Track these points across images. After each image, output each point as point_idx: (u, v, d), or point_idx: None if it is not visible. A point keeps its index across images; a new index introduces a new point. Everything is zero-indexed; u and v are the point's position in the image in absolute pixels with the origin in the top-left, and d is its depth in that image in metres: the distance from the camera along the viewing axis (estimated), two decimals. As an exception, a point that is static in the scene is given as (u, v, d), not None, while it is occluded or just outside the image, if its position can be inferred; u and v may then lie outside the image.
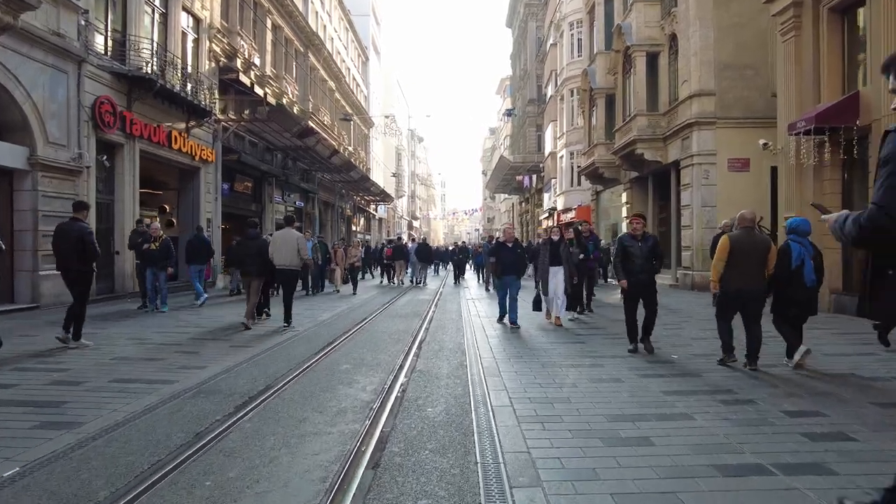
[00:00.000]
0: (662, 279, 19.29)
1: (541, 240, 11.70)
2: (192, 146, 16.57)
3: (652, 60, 19.21)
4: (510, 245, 9.16)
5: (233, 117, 19.08)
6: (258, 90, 19.52)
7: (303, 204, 28.96)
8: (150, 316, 10.36)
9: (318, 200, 31.03)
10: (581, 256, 10.29)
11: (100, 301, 12.15)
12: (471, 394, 4.68)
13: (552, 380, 5.22)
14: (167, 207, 18.27)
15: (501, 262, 9.02)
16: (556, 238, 9.31)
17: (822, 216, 2.26)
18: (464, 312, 11.17)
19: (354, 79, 43.40)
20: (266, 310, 10.50)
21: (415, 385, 5.07)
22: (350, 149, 39.56)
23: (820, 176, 10.56)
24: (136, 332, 8.23)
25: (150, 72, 13.53)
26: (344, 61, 39.37)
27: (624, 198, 22.69)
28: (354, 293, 15.50)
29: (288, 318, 9.06)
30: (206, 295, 12.47)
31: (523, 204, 49.46)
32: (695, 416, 4.06)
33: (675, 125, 17.22)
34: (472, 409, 4.24)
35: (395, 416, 4.09)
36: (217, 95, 18.45)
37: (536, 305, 9.32)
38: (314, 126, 25.48)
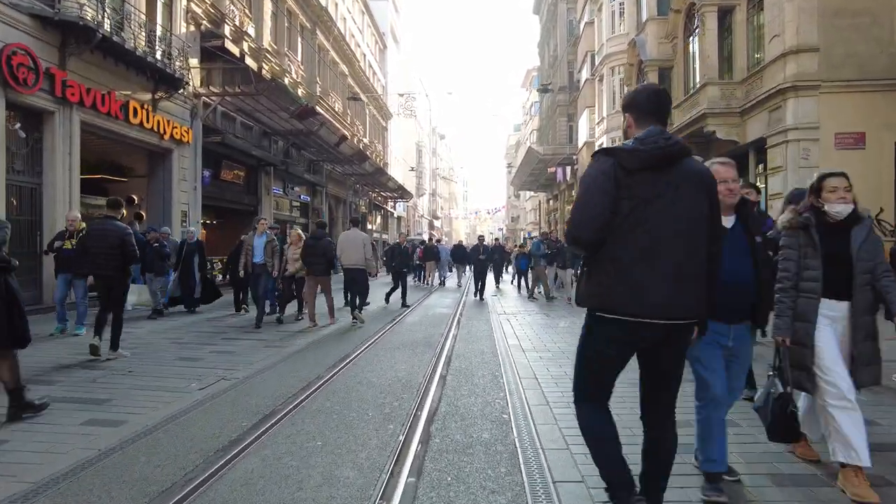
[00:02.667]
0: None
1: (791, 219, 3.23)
2: (159, 122, 13.49)
3: (723, 18, 15.64)
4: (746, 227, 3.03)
5: (215, 91, 15.98)
6: (251, 62, 16.44)
7: (308, 198, 25.88)
8: (48, 342, 7.22)
9: (326, 195, 27.92)
10: None
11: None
12: None
13: None
14: (135, 198, 15.25)
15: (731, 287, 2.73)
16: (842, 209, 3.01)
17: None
18: (497, 339, 7.80)
19: (370, 66, 40.28)
20: (245, 305, 10.91)
21: None
22: (365, 140, 36.46)
23: None
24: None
25: (86, 17, 10.39)
26: (359, 46, 36.27)
27: (682, 189, 19.04)
28: (278, 319, 9.25)
29: (360, 309, 9.65)
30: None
31: (551, 201, 45.83)
32: None
33: (760, 94, 13.61)
34: None
35: None
36: (197, 63, 15.40)
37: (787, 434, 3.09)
38: (317, 109, 22.32)
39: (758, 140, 14.13)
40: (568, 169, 32.42)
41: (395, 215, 50.87)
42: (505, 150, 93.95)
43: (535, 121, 55.63)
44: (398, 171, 48.46)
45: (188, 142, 14.87)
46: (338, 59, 30.00)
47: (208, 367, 5.96)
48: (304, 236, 9.26)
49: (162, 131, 13.62)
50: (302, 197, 25.06)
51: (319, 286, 9.21)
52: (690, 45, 17.28)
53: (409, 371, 5.76)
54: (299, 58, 24.48)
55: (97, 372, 5.65)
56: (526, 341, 7.48)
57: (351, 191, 33.21)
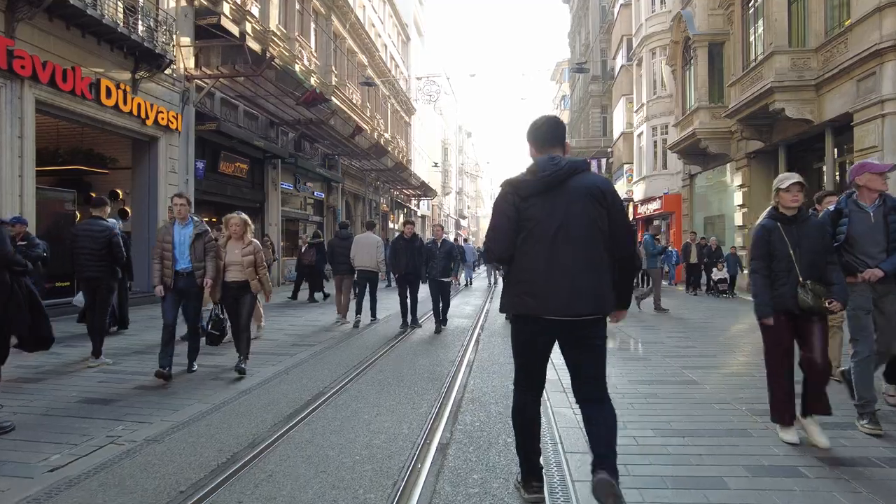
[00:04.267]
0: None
1: None
2: (140, 105, 11.87)
3: (792, -23, 13.33)
4: None
5: (208, 72, 14.33)
6: (253, 45, 14.81)
7: (323, 195, 24.19)
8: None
9: (342, 191, 26.22)
10: None
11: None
12: None
13: None
14: (120, 193, 13.72)
15: None
16: None
17: None
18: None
19: (392, 58, 38.53)
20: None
21: None
22: (386, 135, 34.74)
23: None
24: None
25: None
26: (380, 36, 34.51)
27: (738, 179, 16.72)
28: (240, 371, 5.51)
29: (374, 309, 9.73)
30: None
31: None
32: None
33: (844, 60, 11.30)
34: None
35: None
36: (189, 42, 13.78)
37: None
38: (327, 96, 20.59)
39: (839, 117, 11.81)
40: (603, 161, 30.12)
41: (419, 214, 49.07)
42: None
43: (566, 115, 53.23)
44: (422, 168, 46.67)
45: (177, 129, 13.23)
46: (356, 49, 28.28)
47: (113, 417, 4.15)
48: (251, 224, 5.87)
49: (144, 116, 12.00)
50: (316, 193, 23.38)
51: (341, 284, 9.98)
52: (750, 12, 14.97)
53: (392, 433, 3.82)
54: (312, 45, 22.82)
55: (-60, 427, 3.87)
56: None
57: (371, 188, 31.49)
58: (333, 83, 24.04)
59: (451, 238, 28.14)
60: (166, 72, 12.75)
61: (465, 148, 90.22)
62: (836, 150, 12.73)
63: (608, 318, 2.65)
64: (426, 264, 8.76)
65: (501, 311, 2.74)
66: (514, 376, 2.79)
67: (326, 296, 13.90)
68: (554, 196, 2.53)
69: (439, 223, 10.50)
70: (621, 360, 6.34)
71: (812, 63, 12.46)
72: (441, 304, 9.11)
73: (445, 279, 9.07)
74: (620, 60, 28.22)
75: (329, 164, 24.28)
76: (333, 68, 24.57)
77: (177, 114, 13.19)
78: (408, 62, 44.07)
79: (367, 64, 30.07)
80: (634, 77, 25.45)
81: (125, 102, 11.39)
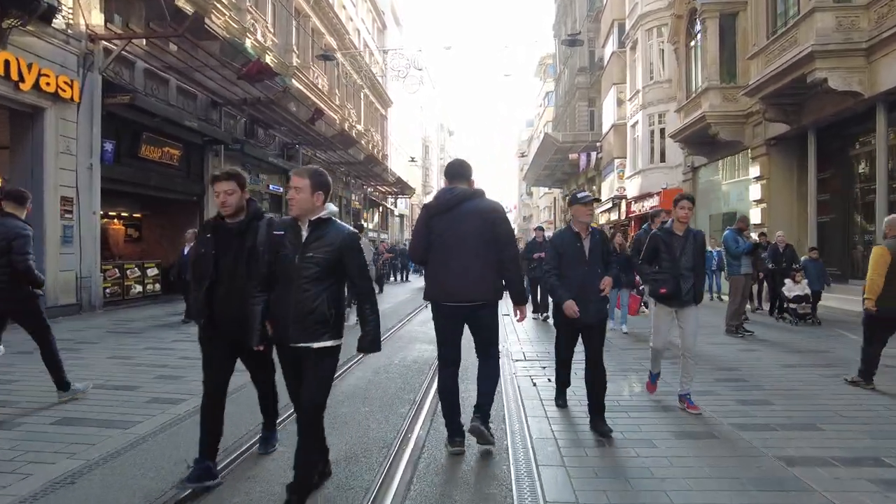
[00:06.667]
0: (844, 303, 11.05)
1: None
2: (10, 63, 9.09)
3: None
4: None
5: (117, 31, 11.55)
6: (182, 4, 12.14)
7: (281, 189, 21.40)
8: None
9: (305, 186, 23.40)
10: None
11: None
12: None
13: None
14: (-1, 179, 10.90)
15: None
16: None
17: None
18: (518, 491, 3.26)
19: (367, 46, 35.82)
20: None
21: None
22: (359, 127, 32.07)
23: None
24: None
25: None
26: (351, 20, 31.82)
27: (756, 170, 14.37)
28: None
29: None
30: None
31: (568, 198, 41.20)
32: None
33: (908, 16, 9.00)
34: None
35: None
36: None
37: None
38: (277, 70, 17.88)
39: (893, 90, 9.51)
40: (593, 155, 27.73)
41: (397, 213, 46.39)
42: (517, 147, 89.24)
43: (550, 112, 51.01)
44: (400, 164, 43.98)
45: (73, 99, 10.46)
46: (322, 29, 25.57)
47: None
48: None
49: (16, 77, 9.22)
50: (272, 187, 20.57)
51: None
52: (776, -29, 12.63)
53: None
54: (269, 19, 20.09)
55: None
56: (603, 483, 2.90)
57: (340, 182, 28.75)
58: (294, 64, 21.34)
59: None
60: (56, 25, 10.01)
61: (446, 146, 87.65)
62: (888, 128, 10.42)
63: (515, 319, 3.88)
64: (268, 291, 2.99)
65: (424, 297, 3.71)
66: (438, 356, 3.71)
67: None
68: (451, 215, 3.53)
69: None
70: (672, 438, 3.79)
71: (862, 23, 10.13)
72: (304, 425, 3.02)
73: (329, 343, 2.84)
74: (611, 47, 25.92)
75: (288, 155, 21.51)
76: (295, 48, 21.87)
77: (72, 80, 10.41)
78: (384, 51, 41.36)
79: (336, 48, 27.33)
80: (628, 62, 23.10)
81: (-16, 58, 8.64)
